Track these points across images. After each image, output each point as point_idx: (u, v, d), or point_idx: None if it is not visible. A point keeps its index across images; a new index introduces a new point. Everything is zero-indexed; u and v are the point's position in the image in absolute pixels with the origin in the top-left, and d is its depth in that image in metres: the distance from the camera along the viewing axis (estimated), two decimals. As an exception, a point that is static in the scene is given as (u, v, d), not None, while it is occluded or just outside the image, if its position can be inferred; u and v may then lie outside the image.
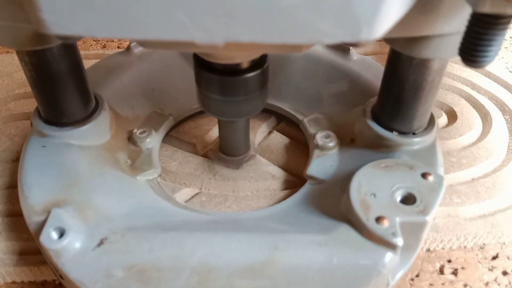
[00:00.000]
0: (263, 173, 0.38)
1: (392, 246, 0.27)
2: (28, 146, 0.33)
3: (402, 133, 0.33)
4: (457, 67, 0.51)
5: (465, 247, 0.34)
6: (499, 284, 0.32)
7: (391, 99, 0.32)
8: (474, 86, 0.48)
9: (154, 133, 0.37)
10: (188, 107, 0.41)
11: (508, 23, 0.21)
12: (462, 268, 0.33)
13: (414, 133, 0.33)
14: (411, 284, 0.32)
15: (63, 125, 0.33)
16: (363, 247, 0.27)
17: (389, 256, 0.27)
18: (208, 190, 0.37)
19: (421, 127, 0.33)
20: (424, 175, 0.30)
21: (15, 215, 0.35)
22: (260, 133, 0.42)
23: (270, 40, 0.19)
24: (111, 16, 0.18)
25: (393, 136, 0.33)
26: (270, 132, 0.42)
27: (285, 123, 0.43)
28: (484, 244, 0.34)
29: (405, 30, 0.26)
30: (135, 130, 0.36)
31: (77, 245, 0.27)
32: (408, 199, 0.29)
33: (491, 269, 0.33)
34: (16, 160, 0.40)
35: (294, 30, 0.18)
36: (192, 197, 0.36)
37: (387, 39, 0.29)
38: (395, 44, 0.29)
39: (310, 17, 0.18)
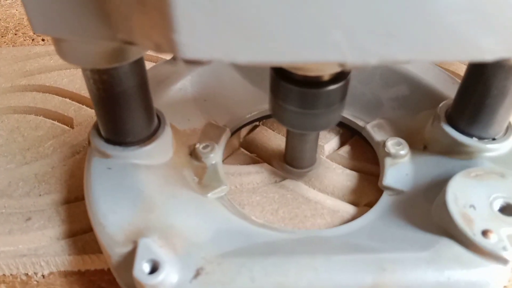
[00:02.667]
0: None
1: (504, 261, 0.26)
2: (92, 169, 0.31)
3: (481, 138, 0.32)
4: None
5: None
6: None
7: (472, 104, 0.31)
8: None
9: (217, 147, 0.35)
10: (242, 116, 0.40)
11: None
12: None
13: (494, 139, 0.32)
14: None
15: (127, 144, 0.31)
16: (473, 263, 0.26)
17: (501, 271, 0.26)
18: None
19: (500, 131, 0.33)
20: (517, 183, 0.29)
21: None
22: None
23: (428, 59, 0.17)
24: (259, 39, 0.16)
25: (473, 142, 0.32)
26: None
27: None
28: None
29: None
30: (197, 145, 0.35)
31: (174, 278, 0.25)
32: (508, 210, 0.28)
33: None
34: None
35: (456, 47, 0.17)
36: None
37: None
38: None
39: (475, 33, 0.17)
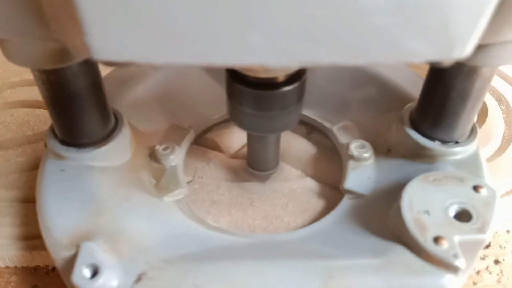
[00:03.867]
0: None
1: (454, 269, 0.25)
2: (45, 170, 0.30)
3: (444, 142, 0.32)
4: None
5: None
6: (490, 273, 0.32)
7: (433, 107, 0.31)
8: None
9: (178, 149, 0.34)
10: (208, 117, 0.39)
11: None
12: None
13: (457, 142, 0.32)
14: None
15: (82, 146, 0.31)
16: (423, 270, 0.25)
17: (451, 279, 0.25)
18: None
19: (464, 135, 0.32)
20: (476, 188, 0.28)
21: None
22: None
23: (353, 62, 0.17)
24: (172, 40, 0.16)
25: (435, 145, 0.31)
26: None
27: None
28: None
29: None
30: (157, 147, 0.34)
31: (114, 284, 0.24)
32: (463, 216, 0.27)
33: (483, 258, 0.32)
34: (9, 147, 0.41)
35: (382, 50, 0.16)
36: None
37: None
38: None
39: (401, 37, 0.16)
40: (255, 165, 0.36)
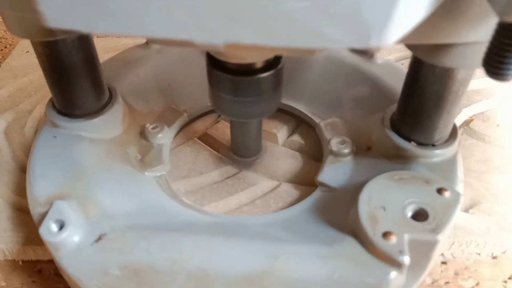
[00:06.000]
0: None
1: (398, 265, 0.25)
2: (40, 136, 0.33)
3: (421, 144, 0.31)
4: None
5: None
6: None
7: (410, 109, 0.31)
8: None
9: (167, 129, 0.36)
10: (204, 103, 0.41)
11: (537, 35, 0.20)
12: None
13: (433, 145, 0.31)
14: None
15: (75, 116, 0.33)
16: (367, 263, 0.26)
17: (394, 275, 0.25)
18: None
19: (442, 139, 0.32)
20: (440, 191, 0.28)
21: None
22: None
23: (273, 44, 0.18)
24: (109, 12, 0.17)
25: (410, 146, 0.31)
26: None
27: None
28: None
29: (428, 36, 0.25)
30: (147, 125, 0.36)
31: (76, 239, 0.27)
32: (420, 215, 0.27)
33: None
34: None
35: (299, 34, 0.17)
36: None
37: (409, 46, 0.28)
38: (417, 51, 0.27)
39: (316, 22, 0.17)
40: (238, 152, 0.37)
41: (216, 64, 0.29)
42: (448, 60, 0.26)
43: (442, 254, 0.33)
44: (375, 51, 0.19)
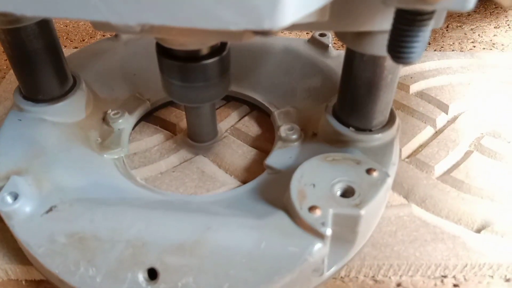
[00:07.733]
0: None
1: (320, 236, 0.27)
2: (6, 119, 0.36)
3: (359, 129, 0.33)
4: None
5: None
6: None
7: (347, 96, 0.33)
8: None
9: (128, 115, 0.39)
10: (167, 93, 0.43)
11: (429, 19, 0.21)
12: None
13: (371, 130, 0.33)
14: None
15: (39, 101, 0.36)
16: (293, 234, 0.28)
17: (317, 245, 0.27)
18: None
19: (380, 124, 0.34)
20: (369, 171, 0.30)
21: None
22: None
23: (178, 24, 0.20)
24: (33, -5, 0.20)
25: (348, 131, 0.33)
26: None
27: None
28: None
29: (346, 24, 0.26)
30: (109, 111, 0.38)
31: (27, 209, 0.29)
32: (347, 193, 0.29)
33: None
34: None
35: (198, 16, 0.19)
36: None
37: (337, 34, 0.30)
38: (344, 40, 0.29)
39: (210, 5, 0.19)
40: (194, 137, 0.39)
41: (164, 51, 0.31)
42: (370, 48, 0.28)
43: (454, 277, 0.32)
44: (273, 33, 0.21)
